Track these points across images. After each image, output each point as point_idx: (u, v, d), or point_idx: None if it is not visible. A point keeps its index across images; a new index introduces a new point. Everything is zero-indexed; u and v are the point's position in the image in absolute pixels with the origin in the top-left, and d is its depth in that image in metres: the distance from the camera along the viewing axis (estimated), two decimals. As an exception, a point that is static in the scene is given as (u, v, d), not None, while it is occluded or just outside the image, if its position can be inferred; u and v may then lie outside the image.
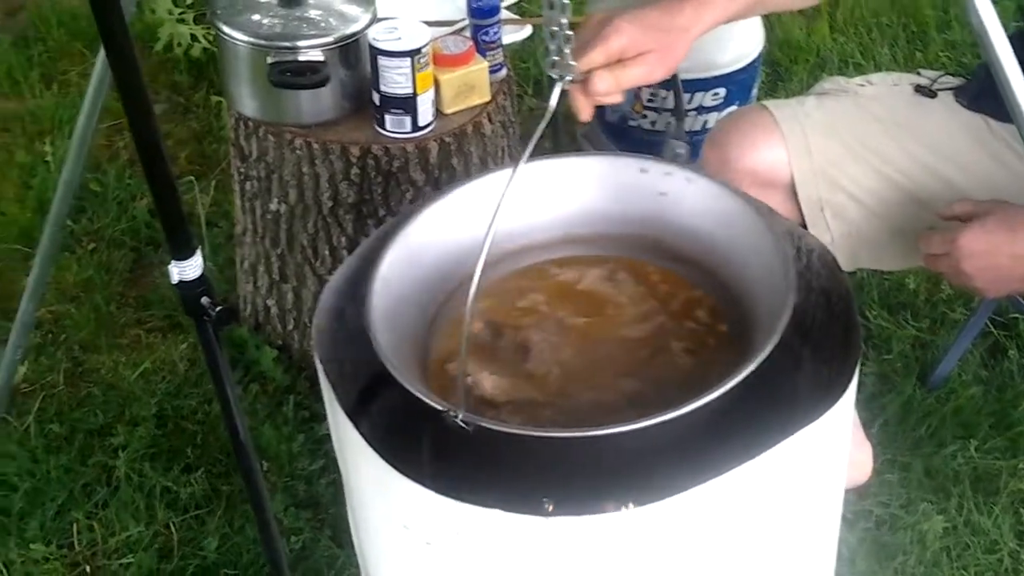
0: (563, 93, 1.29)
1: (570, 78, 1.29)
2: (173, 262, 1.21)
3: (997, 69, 1.30)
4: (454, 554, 1.19)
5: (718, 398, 1.15)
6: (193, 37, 3.01)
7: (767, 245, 1.31)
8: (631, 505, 1.12)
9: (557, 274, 1.43)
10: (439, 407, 1.15)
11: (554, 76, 1.28)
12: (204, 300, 1.23)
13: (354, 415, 1.33)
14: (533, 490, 1.17)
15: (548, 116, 1.26)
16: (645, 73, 1.37)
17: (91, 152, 2.68)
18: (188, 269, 1.22)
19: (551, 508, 1.19)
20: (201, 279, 1.23)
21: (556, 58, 1.27)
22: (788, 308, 1.22)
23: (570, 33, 1.26)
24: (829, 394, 1.22)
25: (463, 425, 1.13)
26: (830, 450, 1.29)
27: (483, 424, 1.14)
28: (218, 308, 1.23)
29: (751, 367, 1.17)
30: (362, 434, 1.20)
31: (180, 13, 3.06)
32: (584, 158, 1.46)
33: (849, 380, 1.23)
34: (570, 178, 1.44)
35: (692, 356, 1.32)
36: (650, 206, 1.42)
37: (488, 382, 1.30)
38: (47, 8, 3.23)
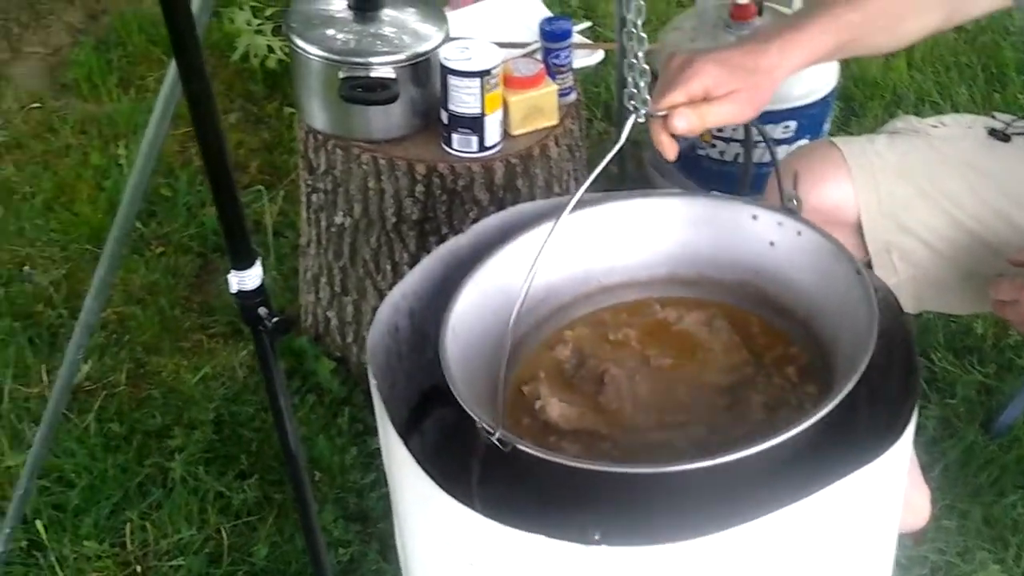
0: (634, 125, 1.29)
1: (644, 111, 1.28)
2: (233, 271, 1.23)
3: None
4: (497, 577, 1.19)
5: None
6: (270, 48, 3.05)
7: (863, 312, 1.27)
8: (675, 540, 1.11)
9: (657, 312, 1.43)
10: (478, 422, 1.15)
11: (630, 108, 1.27)
12: (262, 310, 1.24)
13: (403, 432, 1.33)
14: (577, 518, 1.17)
15: (617, 147, 1.26)
16: (733, 112, 1.35)
17: (164, 157, 2.75)
18: (247, 279, 1.23)
19: (597, 537, 1.18)
20: (260, 289, 1.24)
21: (634, 90, 1.26)
22: (853, 379, 1.19)
23: (646, 67, 1.25)
24: (886, 437, 1.20)
25: (499, 444, 1.13)
26: (885, 493, 1.27)
27: (519, 446, 1.14)
28: (275, 319, 1.24)
29: (794, 431, 1.15)
30: (410, 451, 1.21)
31: (259, 24, 3.10)
32: (696, 198, 1.45)
33: (906, 424, 1.21)
34: (679, 217, 1.43)
35: (769, 412, 1.30)
36: (758, 254, 1.40)
37: (556, 408, 1.30)
38: (128, 14, 3.29)
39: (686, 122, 1.32)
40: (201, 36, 1.34)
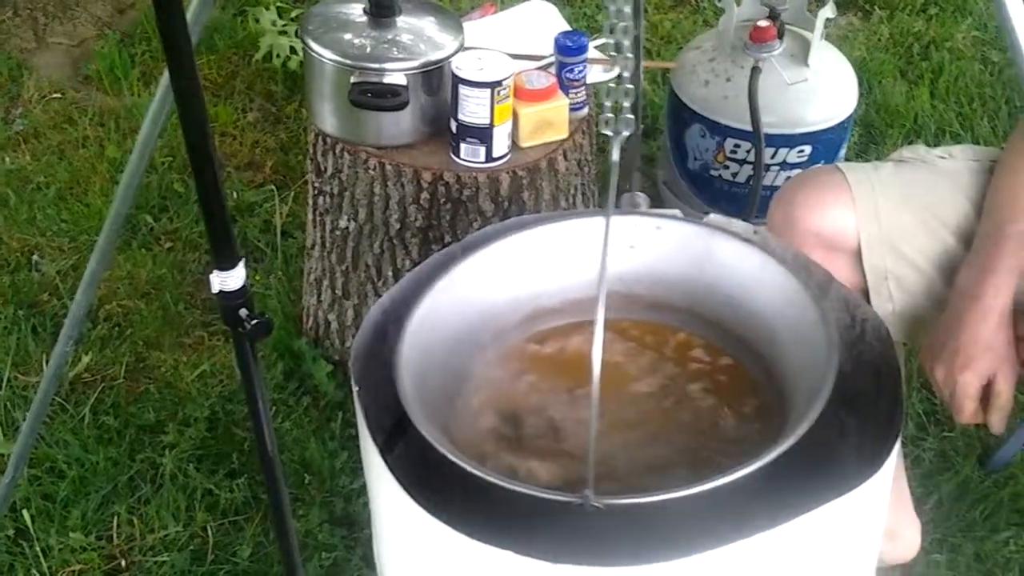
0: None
1: (627, 133, 1.25)
2: (215, 271, 1.22)
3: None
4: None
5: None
6: (292, 49, 3.05)
7: (780, 279, 1.33)
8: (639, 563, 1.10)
9: (538, 350, 1.42)
10: (569, 499, 1.12)
11: (608, 133, 1.23)
12: (242, 311, 1.23)
13: (386, 439, 1.33)
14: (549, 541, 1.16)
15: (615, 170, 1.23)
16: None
17: (181, 154, 2.75)
18: (230, 279, 1.23)
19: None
20: (242, 290, 1.23)
21: (610, 115, 1.22)
22: (832, 370, 1.22)
23: (630, 86, 1.22)
24: (869, 467, 1.20)
25: (598, 506, 1.11)
26: (862, 525, 1.26)
27: (612, 502, 1.12)
28: (254, 321, 1.23)
29: (785, 446, 1.16)
30: (385, 461, 1.20)
31: (283, 25, 3.11)
32: (539, 228, 1.43)
33: (885, 458, 1.20)
34: (530, 251, 1.42)
35: (713, 395, 1.33)
36: (618, 260, 1.40)
37: (543, 471, 1.27)
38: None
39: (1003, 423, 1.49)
40: (198, 34, 1.35)
